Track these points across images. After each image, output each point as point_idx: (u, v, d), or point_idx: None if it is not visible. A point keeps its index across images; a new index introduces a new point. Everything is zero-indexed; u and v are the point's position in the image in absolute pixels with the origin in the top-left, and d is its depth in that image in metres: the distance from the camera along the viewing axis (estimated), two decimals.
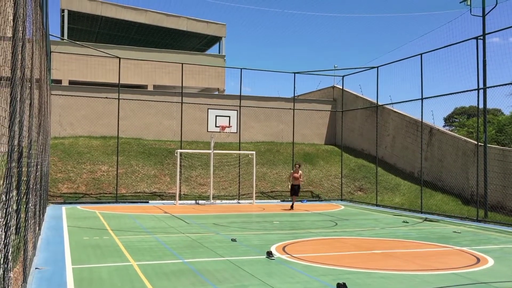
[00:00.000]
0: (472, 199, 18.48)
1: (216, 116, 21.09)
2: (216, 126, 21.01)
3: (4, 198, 4.30)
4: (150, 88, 31.74)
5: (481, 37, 16.51)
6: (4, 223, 4.32)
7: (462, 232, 13.32)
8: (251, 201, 21.69)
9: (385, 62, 21.90)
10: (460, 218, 16.65)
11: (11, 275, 4.81)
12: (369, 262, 8.88)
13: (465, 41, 17.26)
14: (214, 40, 39.30)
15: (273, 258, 8.99)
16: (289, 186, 19.89)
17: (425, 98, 18.99)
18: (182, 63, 23.34)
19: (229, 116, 21.34)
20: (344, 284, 6.75)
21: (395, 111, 24.85)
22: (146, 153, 24.19)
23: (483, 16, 16.80)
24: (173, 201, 20.77)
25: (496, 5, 16.49)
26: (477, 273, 8.10)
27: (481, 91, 16.36)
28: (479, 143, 17.04)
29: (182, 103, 22.80)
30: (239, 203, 21.67)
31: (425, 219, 16.50)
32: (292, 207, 19.06)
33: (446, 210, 18.14)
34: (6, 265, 4.39)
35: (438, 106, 22.82)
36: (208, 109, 21.47)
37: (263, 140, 28.17)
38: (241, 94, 24.23)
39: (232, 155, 23.95)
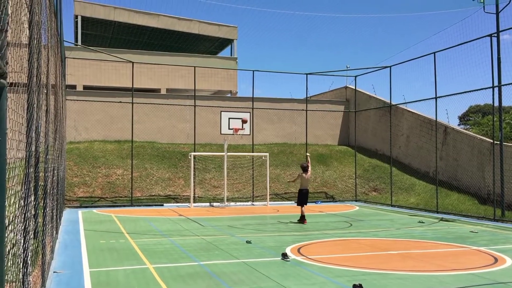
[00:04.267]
0: (489, 198, 18.28)
1: (229, 118, 21.16)
2: (229, 129, 21.07)
3: (22, 203, 4.37)
4: (163, 91, 31.93)
5: (495, 35, 16.35)
6: (23, 227, 4.38)
7: (479, 232, 13.18)
8: (265, 202, 21.69)
9: (398, 62, 21.80)
10: (477, 218, 16.47)
11: (30, 279, 4.88)
12: (385, 263, 8.83)
13: (479, 39, 17.11)
14: (226, 42, 39.43)
15: (288, 259, 8.99)
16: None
17: (439, 97, 18.85)
18: (195, 66, 23.45)
19: (242, 118, 21.39)
20: (360, 285, 6.73)
21: (409, 111, 24.69)
22: (160, 156, 24.33)
23: (497, 14, 16.64)
24: (187, 204, 20.86)
25: (510, 2, 16.33)
26: (495, 273, 8.01)
27: (496, 89, 16.19)
28: (495, 142, 16.85)
29: (195, 106, 22.90)
30: (253, 205, 21.68)
31: (441, 219, 16.36)
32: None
33: (463, 210, 17.95)
34: (25, 269, 4.45)
35: (453, 104, 22.59)
36: (221, 111, 21.54)
37: (276, 142, 28.17)
38: (254, 96, 24.26)
39: (246, 157, 23.99)
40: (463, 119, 42.08)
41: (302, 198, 14.98)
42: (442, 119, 21.22)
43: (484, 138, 20.13)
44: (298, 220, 14.95)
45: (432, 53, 18.97)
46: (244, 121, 21.05)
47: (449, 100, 18.87)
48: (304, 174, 15.10)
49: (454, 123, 23.16)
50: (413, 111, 24.48)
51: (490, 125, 21.39)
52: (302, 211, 14.89)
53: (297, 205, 15.24)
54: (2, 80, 2.69)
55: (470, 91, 17.50)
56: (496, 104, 16.30)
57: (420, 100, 20.92)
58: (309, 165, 15.48)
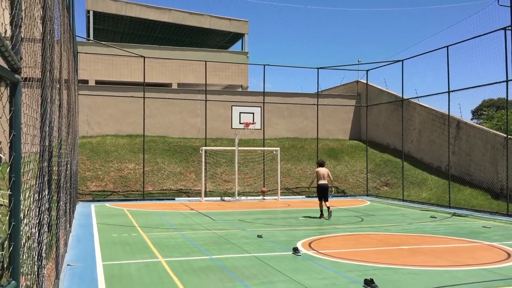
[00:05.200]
0: (502, 193, 18.11)
1: (240, 113, 21.17)
2: (240, 123, 21.09)
3: (37, 197, 4.42)
4: (174, 86, 32.02)
5: (509, 28, 16.13)
6: (37, 221, 4.44)
7: (492, 227, 13.08)
8: (276, 197, 21.71)
9: (410, 56, 21.62)
10: (490, 213, 16.34)
11: (45, 272, 4.94)
12: (396, 258, 8.81)
13: (492, 32, 16.91)
14: (237, 37, 39.38)
15: (299, 254, 9.00)
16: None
17: (452, 91, 18.68)
18: (206, 61, 23.48)
19: (253, 113, 21.39)
20: (372, 280, 6.72)
21: (421, 105, 24.50)
22: (172, 150, 24.44)
23: (511, 6, 16.39)
24: (198, 198, 20.95)
25: None
26: (508, 268, 7.95)
27: (510, 83, 16.00)
28: (509, 136, 16.67)
29: (206, 100, 22.94)
30: (264, 199, 21.71)
31: (454, 214, 16.25)
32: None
33: (475, 205, 17.82)
34: (40, 262, 4.51)
35: (466, 98, 22.39)
36: (232, 106, 21.56)
37: (287, 136, 28.14)
38: (265, 91, 24.24)
39: (257, 152, 24.00)
40: (476, 113, 41.68)
41: (318, 193, 14.91)
42: (454, 114, 21.04)
43: (498, 132, 19.93)
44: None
45: (445, 46, 18.80)
46: (248, 124, 21.04)
47: (462, 94, 18.72)
48: (318, 169, 14.99)
49: (467, 117, 22.95)
50: (425, 105, 24.29)
51: (503, 119, 21.16)
52: (320, 205, 14.89)
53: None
54: (17, 75, 2.72)
55: (483, 85, 17.33)
56: (510, 98, 16.11)
57: (432, 94, 20.78)
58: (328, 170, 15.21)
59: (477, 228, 12.87)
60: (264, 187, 22.30)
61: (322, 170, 14.95)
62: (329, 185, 14.99)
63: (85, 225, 13.10)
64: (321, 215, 14.79)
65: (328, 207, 14.57)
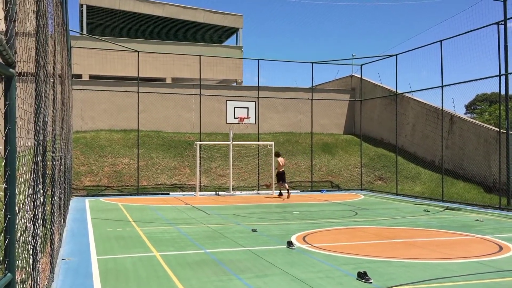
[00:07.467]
0: (495, 187, 18.26)
1: (234, 107, 21.17)
2: (234, 118, 21.09)
3: (31, 191, 4.43)
4: (168, 80, 31.94)
5: (502, 22, 16.21)
6: (32, 215, 4.45)
7: (485, 220, 13.19)
8: (271, 191, 21.76)
9: (404, 50, 21.67)
10: (482, 206, 16.47)
11: (40, 265, 4.96)
12: (390, 251, 8.88)
13: (486, 27, 16.97)
14: (231, 31, 39.30)
15: (293, 247, 9.05)
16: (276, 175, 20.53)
17: (446, 85, 18.76)
18: (200, 55, 23.42)
19: (247, 107, 21.40)
20: (365, 272, 6.78)
21: (415, 99, 24.59)
22: (166, 145, 24.42)
23: (504, 1, 16.47)
24: (193, 193, 20.97)
25: None
26: (500, 261, 8.05)
27: (503, 77, 16.10)
28: (501, 130, 16.79)
29: (200, 95, 22.91)
30: (258, 193, 21.76)
31: (447, 208, 16.37)
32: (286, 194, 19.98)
33: (468, 199, 17.96)
34: (35, 256, 4.53)
35: (459, 93, 22.51)
36: (226, 100, 21.55)
37: (281, 131, 28.18)
38: (259, 85, 24.24)
39: (251, 146, 24.03)
40: (470, 107, 41.92)
41: (281, 177, 19.84)
42: (448, 108, 21.14)
43: (490, 126, 20.05)
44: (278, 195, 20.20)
45: (438, 41, 18.86)
46: (242, 118, 21.21)
47: (456, 89, 18.81)
48: (280, 159, 19.94)
49: (460, 111, 23.05)
50: (419, 100, 24.38)
51: (496, 113, 21.28)
52: (282, 186, 19.76)
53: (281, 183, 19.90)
54: (11, 70, 2.73)
55: (476, 80, 17.41)
56: (503, 92, 16.21)
57: (426, 89, 20.86)
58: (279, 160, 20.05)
59: (469, 222, 12.98)
60: (267, 182, 22.49)
61: (282, 160, 19.85)
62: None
63: (79, 219, 13.10)
64: (288, 194, 19.49)
65: (288, 189, 19.45)
